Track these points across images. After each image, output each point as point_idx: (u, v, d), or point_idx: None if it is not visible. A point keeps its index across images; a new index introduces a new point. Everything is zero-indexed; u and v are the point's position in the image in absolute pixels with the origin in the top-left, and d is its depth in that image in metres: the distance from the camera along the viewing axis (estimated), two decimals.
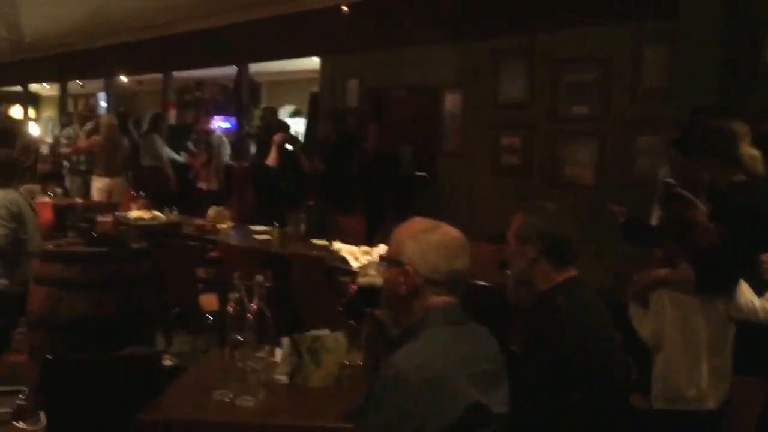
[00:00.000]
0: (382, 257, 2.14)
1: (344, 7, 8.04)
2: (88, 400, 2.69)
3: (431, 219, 2.11)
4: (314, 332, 2.75)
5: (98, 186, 9.03)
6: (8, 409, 4.30)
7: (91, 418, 2.70)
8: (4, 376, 4.93)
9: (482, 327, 2.10)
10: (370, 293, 2.66)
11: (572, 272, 2.50)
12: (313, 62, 9.74)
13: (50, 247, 4.73)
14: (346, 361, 2.73)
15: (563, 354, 2.29)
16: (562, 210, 2.56)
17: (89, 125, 9.65)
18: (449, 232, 2.06)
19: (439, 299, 2.02)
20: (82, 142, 9.58)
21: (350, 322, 2.74)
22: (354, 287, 2.87)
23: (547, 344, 2.34)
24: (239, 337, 2.52)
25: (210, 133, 9.91)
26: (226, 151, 9.99)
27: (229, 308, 2.56)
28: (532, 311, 2.54)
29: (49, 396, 2.73)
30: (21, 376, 4.88)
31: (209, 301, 5.47)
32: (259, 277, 2.61)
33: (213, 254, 6.15)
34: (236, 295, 2.58)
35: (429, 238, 2.03)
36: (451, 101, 7.63)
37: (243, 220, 7.08)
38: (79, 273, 4.39)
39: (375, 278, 2.56)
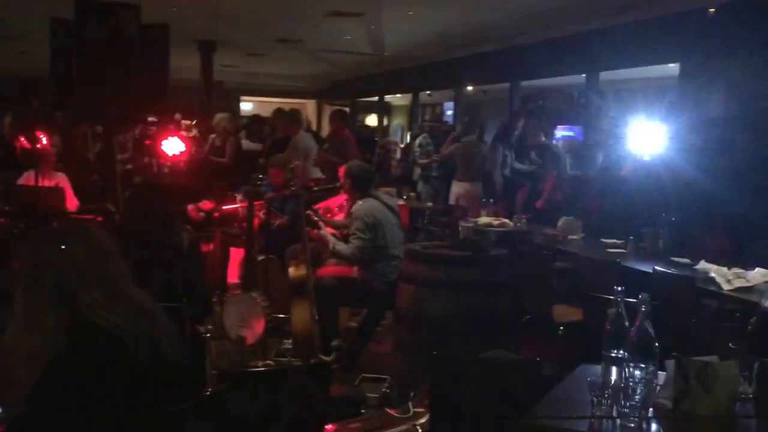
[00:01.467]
0: None
1: (711, 9, 7.51)
2: (470, 397, 2.78)
3: None
4: (703, 358, 2.56)
5: (456, 190, 9.36)
6: (375, 395, 4.69)
7: (472, 413, 2.78)
8: (370, 364, 5.39)
9: None
10: None
11: None
12: (669, 67, 9.24)
13: (418, 248, 5.04)
14: (739, 393, 2.52)
15: None
16: None
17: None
18: None
19: None
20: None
21: (748, 351, 2.50)
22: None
23: None
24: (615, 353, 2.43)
25: (543, 146, 9.81)
26: (566, 161, 9.82)
27: (607, 325, 2.49)
28: None
29: (435, 388, 2.86)
30: (386, 366, 5.30)
31: (559, 311, 5.43)
32: (644, 295, 2.49)
33: (560, 264, 6.10)
34: (613, 309, 2.51)
35: None
36: None
37: (589, 231, 6.91)
38: (444, 274, 4.63)
39: None
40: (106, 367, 1.94)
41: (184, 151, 6.71)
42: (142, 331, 1.98)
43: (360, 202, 5.40)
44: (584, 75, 10.87)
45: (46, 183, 6.57)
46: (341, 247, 5.35)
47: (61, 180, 7.04)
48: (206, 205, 7.05)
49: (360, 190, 5.47)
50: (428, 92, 17.06)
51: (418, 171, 11.30)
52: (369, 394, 4.58)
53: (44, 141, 6.19)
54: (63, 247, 2.03)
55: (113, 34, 5.25)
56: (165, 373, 1.99)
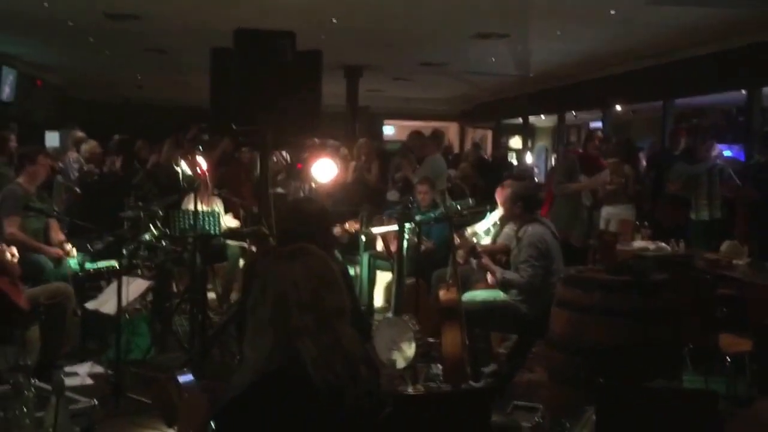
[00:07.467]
0: None
1: None
2: (641, 428, 2.63)
3: None
4: None
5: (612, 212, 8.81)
6: (528, 424, 4.55)
7: None
8: (522, 392, 5.24)
9: None
10: None
11: None
12: None
13: (573, 272, 4.87)
14: None
15: None
16: None
17: None
18: None
19: None
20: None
21: None
22: None
23: None
24: None
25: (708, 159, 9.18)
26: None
27: None
28: None
29: (602, 419, 2.73)
30: (536, 394, 5.14)
31: (726, 341, 5.10)
32: None
33: (724, 291, 5.75)
34: None
35: None
36: None
37: (759, 255, 6.46)
38: (599, 300, 4.43)
39: None
40: (288, 401, 1.95)
41: (336, 174, 6.81)
42: (336, 372, 1.95)
43: (529, 228, 5.27)
44: (744, 91, 10.26)
45: (204, 207, 6.87)
46: (512, 276, 5.24)
47: (217, 204, 7.39)
48: (352, 225, 7.11)
49: (530, 212, 5.37)
50: (574, 113, 16.65)
51: None
52: (522, 423, 4.46)
53: (203, 167, 6.46)
54: (286, 266, 2.07)
55: (270, 60, 5.37)
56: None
